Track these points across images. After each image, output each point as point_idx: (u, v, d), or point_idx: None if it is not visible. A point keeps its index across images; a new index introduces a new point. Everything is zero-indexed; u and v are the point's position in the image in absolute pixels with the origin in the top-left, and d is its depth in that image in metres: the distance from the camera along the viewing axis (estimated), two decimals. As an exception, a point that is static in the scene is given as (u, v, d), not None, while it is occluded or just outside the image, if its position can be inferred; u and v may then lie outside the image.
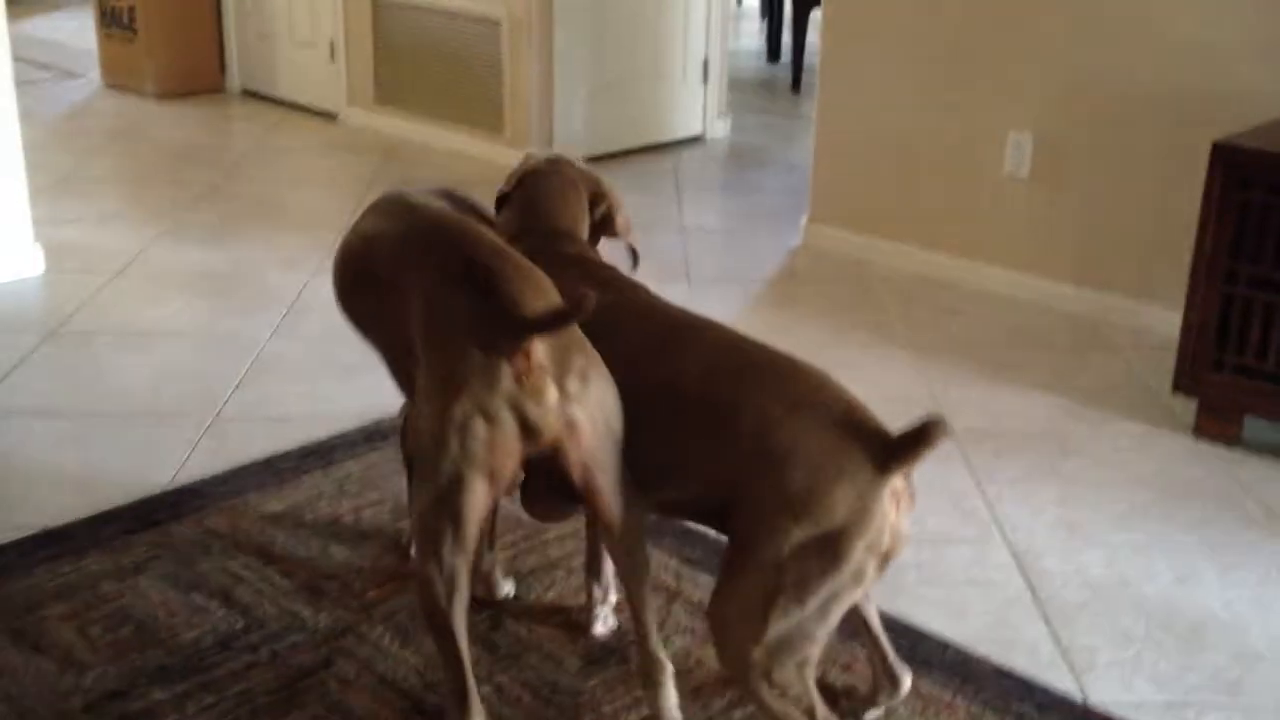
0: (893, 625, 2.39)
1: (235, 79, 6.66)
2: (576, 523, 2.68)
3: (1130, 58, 3.77)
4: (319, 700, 2.14)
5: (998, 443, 3.16)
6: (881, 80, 4.32)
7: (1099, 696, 2.25)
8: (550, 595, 2.45)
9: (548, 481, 1.87)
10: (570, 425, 1.78)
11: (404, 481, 2.84)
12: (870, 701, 2.15)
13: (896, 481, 1.77)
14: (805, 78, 6.88)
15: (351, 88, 6.10)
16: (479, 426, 1.72)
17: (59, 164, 5.21)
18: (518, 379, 1.73)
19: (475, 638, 2.30)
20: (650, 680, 1.98)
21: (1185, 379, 3.20)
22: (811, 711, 1.83)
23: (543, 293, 1.79)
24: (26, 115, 4.54)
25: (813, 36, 6.64)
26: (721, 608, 1.82)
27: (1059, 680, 2.29)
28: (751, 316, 3.91)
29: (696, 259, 4.42)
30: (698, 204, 5.07)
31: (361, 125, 6.04)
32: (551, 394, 1.76)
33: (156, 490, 2.79)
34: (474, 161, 5.48)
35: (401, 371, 2.09)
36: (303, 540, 2.60)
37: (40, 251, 4.08)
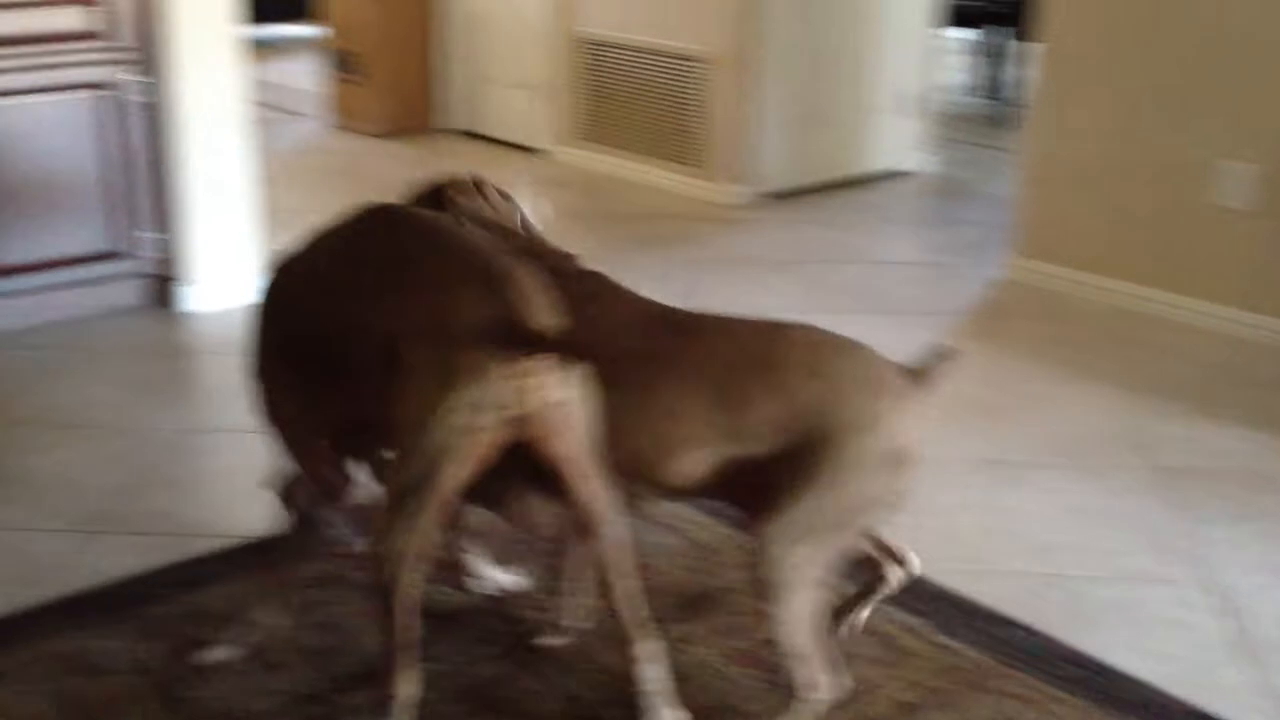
0: (1087, 664, 2.31)
1: (453, 119, 6.92)
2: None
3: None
4: (497, 710, 2.18)
5: (1206, 482, 3.02)
6: (1091, 112, 4.20)
7: (1309, 749, 2.13)
8: (732, 619, 2.45)
9: (522, 485, 2.01)
10: (549, 426, 1.89)
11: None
12: (877, 587, 2.30)
13: (923, 404, 2.01)
14: (1013, 112, 6.74)
15: (559, 125, 6.27)
16: (468, 418, 1.83)
17: (289, 199, 5.50)
18: (513, 379, 1.84)
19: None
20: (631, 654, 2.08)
21: None
22: (817, 629, 2.01)
23: (543, 304, 1.89)
24: (263, 153, 4.81)
25: (1022, 71, 6.52)
26: (788, 527, 1.94)
27: (1264, 729, 2.17)
28: (950, 350, 3.84)
29: (896, 292, 4.37)
30: (899, 237, 5.02)
31: (568, 161, 6.19)
32: (540, 397, 1.86)
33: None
34: (675, 197, 5.55)
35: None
36: (494, 556, 2.66)
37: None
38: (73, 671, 2.29)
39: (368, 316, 2.00)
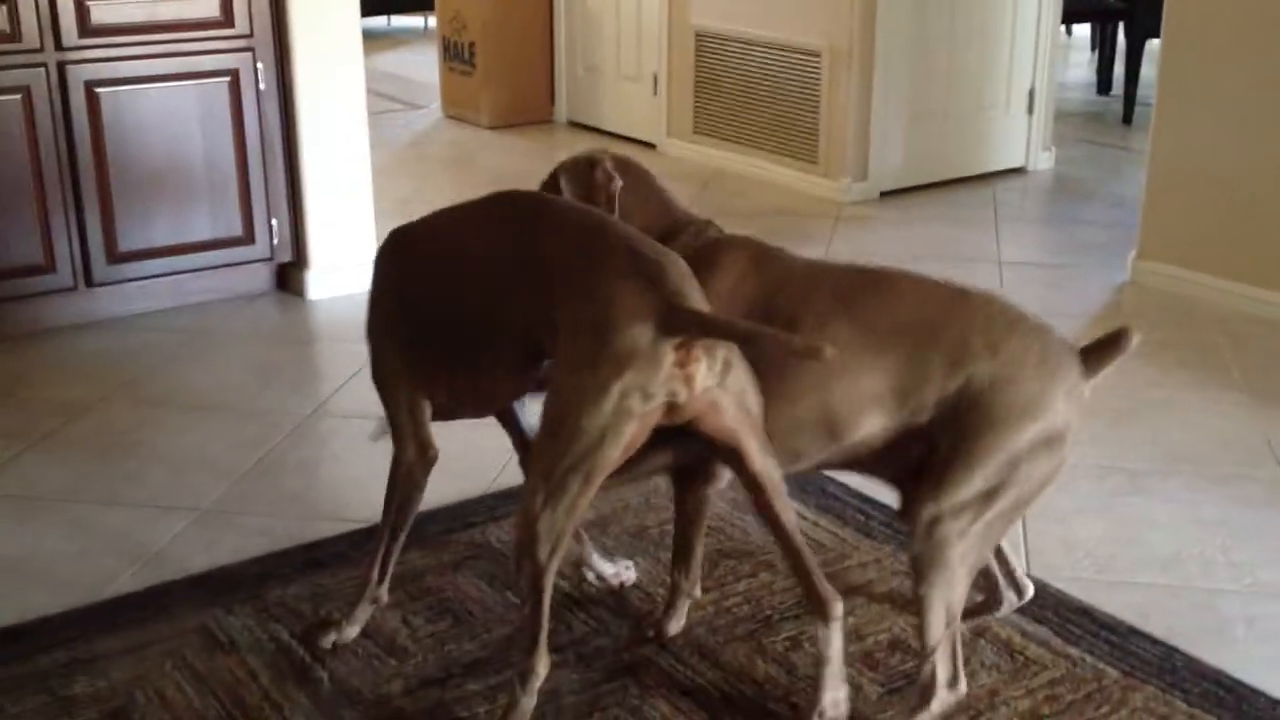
0: (1218, 679, 2.26)
1: (563, 110, 6.95)
2: (878, 551, 2.66)
3: None
4: (619, 704, 2.19)
5: (1343, 496, 2.93)
6: (1222, 110, 4.09)
7: None
8: (850, 622, 2.43)
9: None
10: (712, 405, 1.92)
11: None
12: (992, 607, 2.34)
13: (1089, 385, 2.01)
14: (1137, 110, 6.59)
15: (671, 118, 6.26)
16: (635, 403, 1.86)
17: (401, 188, 5.57)
18: (677, 365, 1.87)
19: (773, 657, 2.32)
20: (824, 617, 2.07)
21: None
22: (952, 618, 2.02)
23: (694, 289, 1.94)
24: (375, 143, 4.88)
25: (1146, 67, 6.37)
26: (941, 500, 1.95)
27: None
28: (1071, 353, 3.76)
29: (1014, 291, 4.26)
30: (1017, 237, 4.93)
31: (679, 155, 6.18)
32: (701, 380, 1.89)
33: (475, 494, 2.93)
34: (788, 192, 5.52)
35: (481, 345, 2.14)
36: (610, 550, 2.67)
37: (382, 268, 4.37)
38: (205, 648, 2.35)
39: (503, 305, 2.06)
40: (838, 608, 2.08)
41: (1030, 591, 2.37)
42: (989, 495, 1.95)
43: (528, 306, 2.02)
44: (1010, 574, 2.35)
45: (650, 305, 1.86)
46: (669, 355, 1.86)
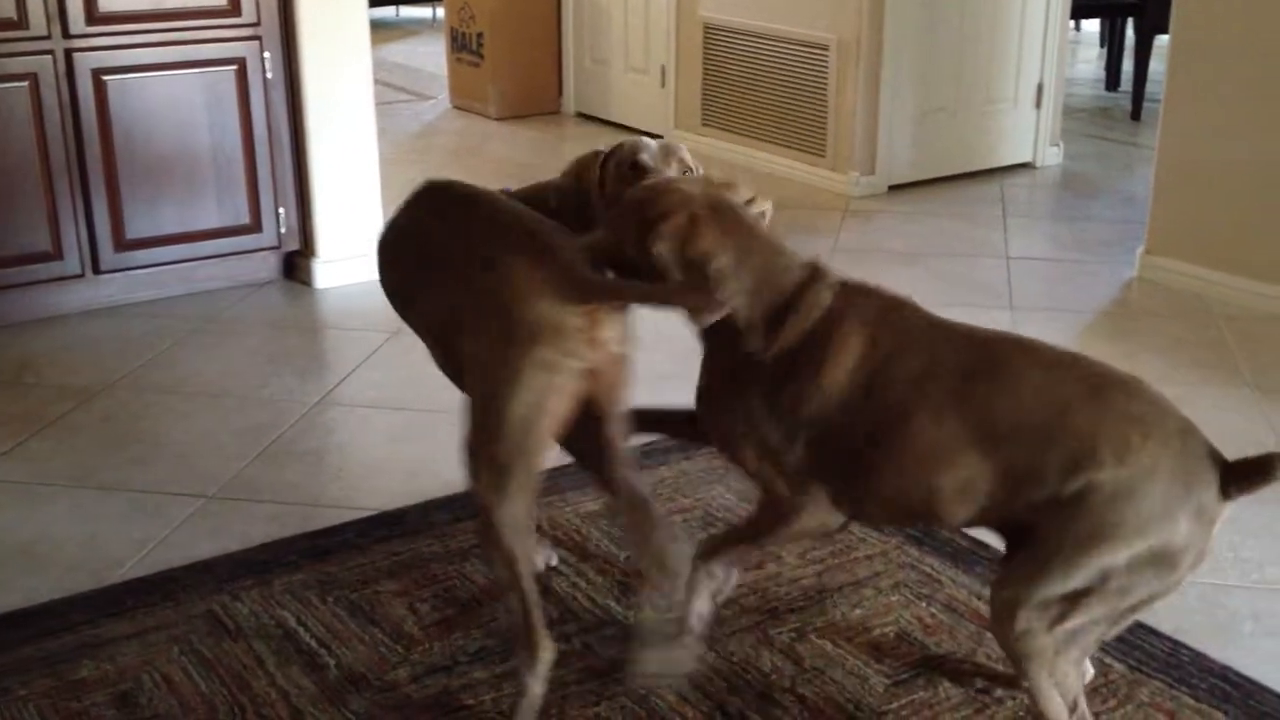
0: (1226, 676, 2.25)
1: (571, 102, 6.94)
2: (885, 543, 2.65)
3: None
4: (626, 693, 2.19)
5: (1351, 493, 2.91)
6: (1231, 105, 4.08)
7: None
8: (857, 614, 2.43)
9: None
10: (615, 367, 1.98)
11: (715, 489, 2.88)
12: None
13: (1229, 508, 1.83)
14: (1146, 106, 6.58)
15: (679, 111, 6.26)
16: (553, 375, 1.89)
17: (408, 178, 5.54)
18: (584, 331, 1.90)
19: (779, 648, 2.31)
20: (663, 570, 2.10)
21: None
22: (1075, 704, 1.91)
23: (585, 262, 1.95)
24: (383, 133, 4.88)
25: (1155, 63, 6.36)
26: (1022, 592, 1.84)
27: None
28: (1081, 347, 3.73)
29: (1022, 287, 4.29)
30: (1025, 231, 4.92)
31: (688, 147, 6.15)
32: (608, 344, 1.94)
33: (483, 483, 2.92)
34: (796, 185, 5.51)
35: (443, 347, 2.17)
36: (616, 539, 2.67)
37: (389, 257, 4.37)
38: (211, 634, 2.35)
39: (431, 288, 2.12)
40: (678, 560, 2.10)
41: (1091, 672, 2.17)
42: (1076, 598, 1.82)
43: (446, 287, 2.07)
44: None
45: (540, 279, 1.90)
46: (576, 323, 1.89)
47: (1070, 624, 1.83)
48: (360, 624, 2.39)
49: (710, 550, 2.15)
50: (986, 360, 1.91)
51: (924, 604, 2.45)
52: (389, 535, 2.69)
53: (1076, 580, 1.80)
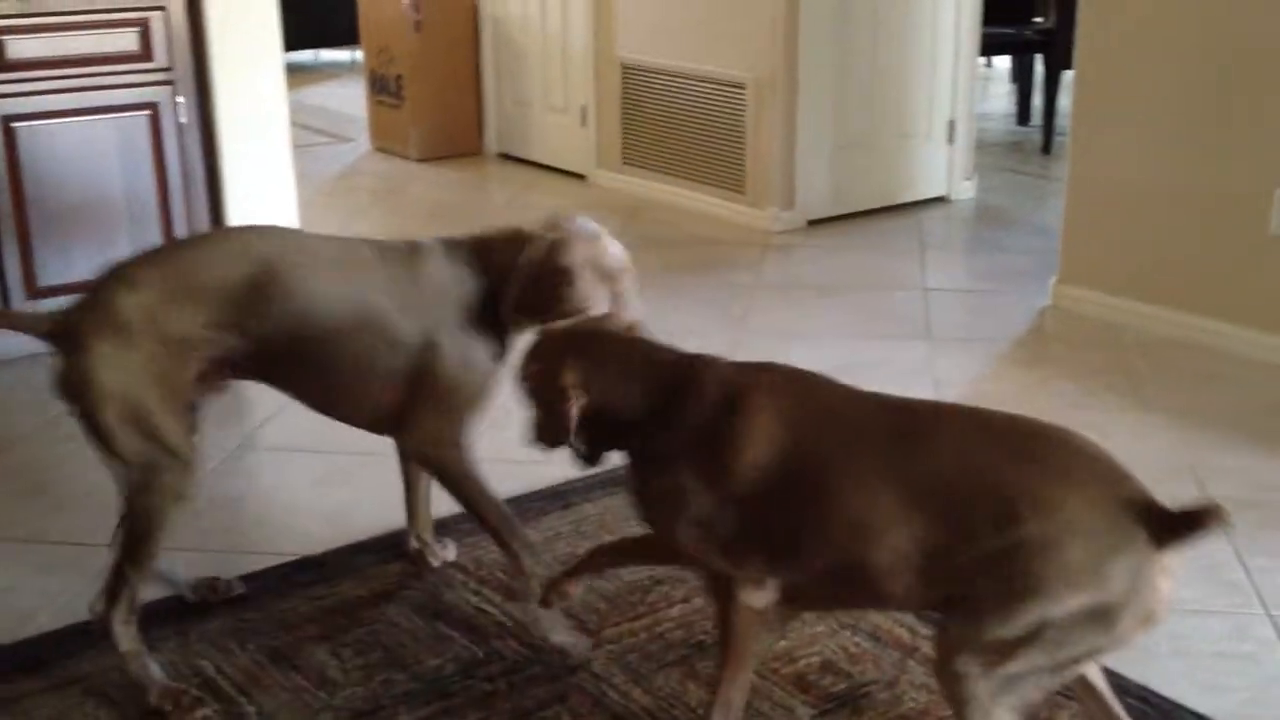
0: (1144, 696, 2.29)
1: (492, 142, 6.95)
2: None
3: None
4: (553, 732, 2.18)
5: (1261, 513, 2.98)
6: (1136, 138, 4.19)
7: (1373, 784, 2.09)
8: (783, 645, 2.44)
9: None
10: None
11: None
12: None
13: (1168, 558, 1.78)
14: (1056, 140, 6.72)
15: (600, 149, 6.29)
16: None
17: (329, 221, 5.53)
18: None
19: (705, 681, 2.31)
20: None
21: None
22: None
23: None
24: (303, 176, 4.85)
25: (1064, 98, 6.51)
26: (961, 636, 1.82)
27: (1327, 764, 2.14)
28: (997, 377, 3.82)
29: (939, 317, 4.36)
30: (941, 264, 5.00)
31: (609, 185, 6.21)
32: None
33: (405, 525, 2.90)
34: (716, 222, 5.56)
35: None
36: (541, 577, 2.65)
37: (308, 300, 4.34)
38: (128, 685, 2.30)
39: None
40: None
41: None
42: (1014, 645, 1.79)
43: None
44: (1111, 716, 2.05)
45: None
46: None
47: (1007, 670, 1.80)
48: (282, 670, 2.36)
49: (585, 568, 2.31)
50: (904, 427, 1.91)
51: (848, 633, 2.47)
52: (311, 580, 2.66)
53: (1013, 629, 1.78)
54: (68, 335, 2.20)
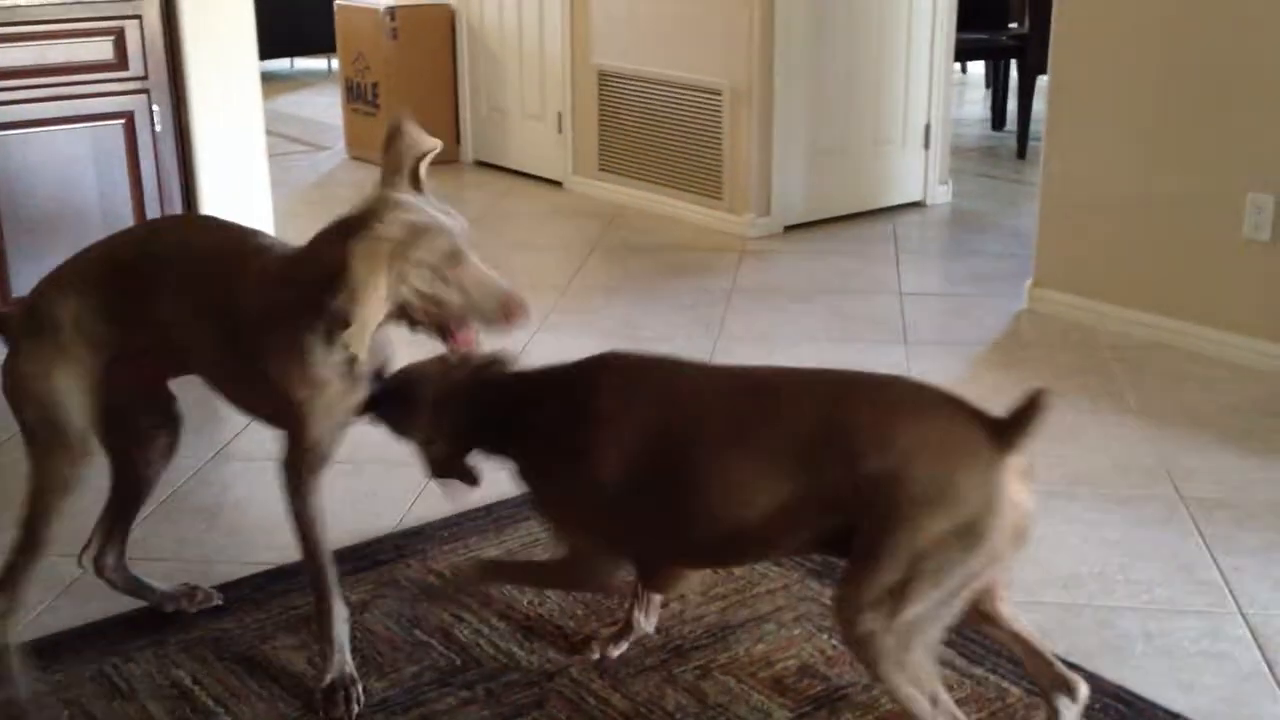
0: (1119, 695, 2.30)
1: (469, 150, 6.95)
2: (786, 578, 2.67)
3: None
4: (530, 739, 2.18)
5: (1234, 513, 3.01)
6: (1110, 143, 4.21)
7: (1346, 781, 2.11)
8: (760, 648, 2.44)
9: None
10: None
11: (618, 532, 2.88)
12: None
13: (1017, 459, 1.86)
14: (1030, 144, 6.76)
15: (576, 156, 6.29)
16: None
17: (305, 230, 5.49)
18: None
19: (683, 686, 2.32)
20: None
21: None
22: (935, 697, 1.91)
23: None
24: (278, 185, 4.83)
25: (1038, 104, 6.54)
26: (853, 597, 1.87)
27: (1300, 761, 2.15)
28: (973, 379, 3.84)
29: (915, 321, 4.37)
30: (917, 268, 5.02)
31: (585, 192, 6.21)
32: None
33: (383, 533, 2.90)
34: (693, 228, 5.56)
35: None
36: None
37: (285, 309, 4.33)
38: (103, 696, 2.29)
39: None
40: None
41: (1083, 688, 2.08)
42: (901, 588, 1.84)
43: None
44: (1054, 677, 2.09)
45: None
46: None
47: (906, 615, 1.85)
48: (259, 680, 2.35)
49: (489, 575, 2.45)
50: (747, 390, 2.01)
51: (825, 636, 2.47)
52: (287, 589, 2.65)
53: (893, 571, 1.83)
54: (4, 332, 2.28)
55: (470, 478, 2.21)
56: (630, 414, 2.00)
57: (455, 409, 2.14)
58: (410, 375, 2.22)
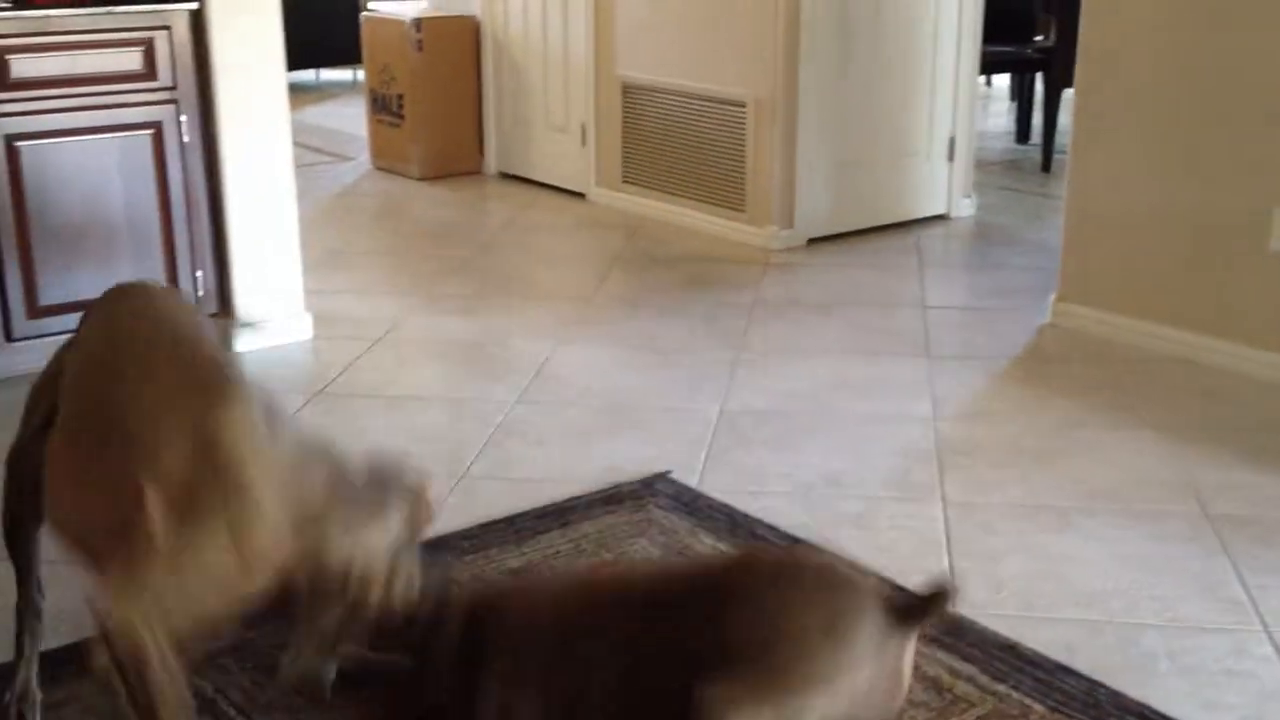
0: (1142, 713, 2.29)
1: (492, 162, 6.98)
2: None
3: None
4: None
5: (1259, 530, 2.99)
6: (1136, 156, 4.20)
7: (1371, 802, 2.09)
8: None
9: None
10: None
11: (638, 543, 2.89)
12: None
13: (913, 642, 1.75)
14: (1055, 158, 6.74)
15: (600, 168, 6.31)
16: None
17: (329, 240, 5.55)
18: None
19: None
20: None
21: None
22: None
23: None
24: (303, 195, 4.87)
25: (1064, 117, 6.53)
26: None
27: (1325, 782, 2.14)
28: (996, 394, 3.82)
29: (938, 335, 4.36)
30: (941, 281, 5.01)
31: (608, 204, 6.22)
32: None
33: (405, 543, 2.91)
34: (716, 240, 5.57)
35: None
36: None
37: (310, 319, 4.36)
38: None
39: None
40: None
41: None
42: None
43: None
44: None
45: None
46: None
47: None
48: (282, 688, 2.35)
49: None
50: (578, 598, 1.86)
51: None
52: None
53: None
54: None
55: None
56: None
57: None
58: None
